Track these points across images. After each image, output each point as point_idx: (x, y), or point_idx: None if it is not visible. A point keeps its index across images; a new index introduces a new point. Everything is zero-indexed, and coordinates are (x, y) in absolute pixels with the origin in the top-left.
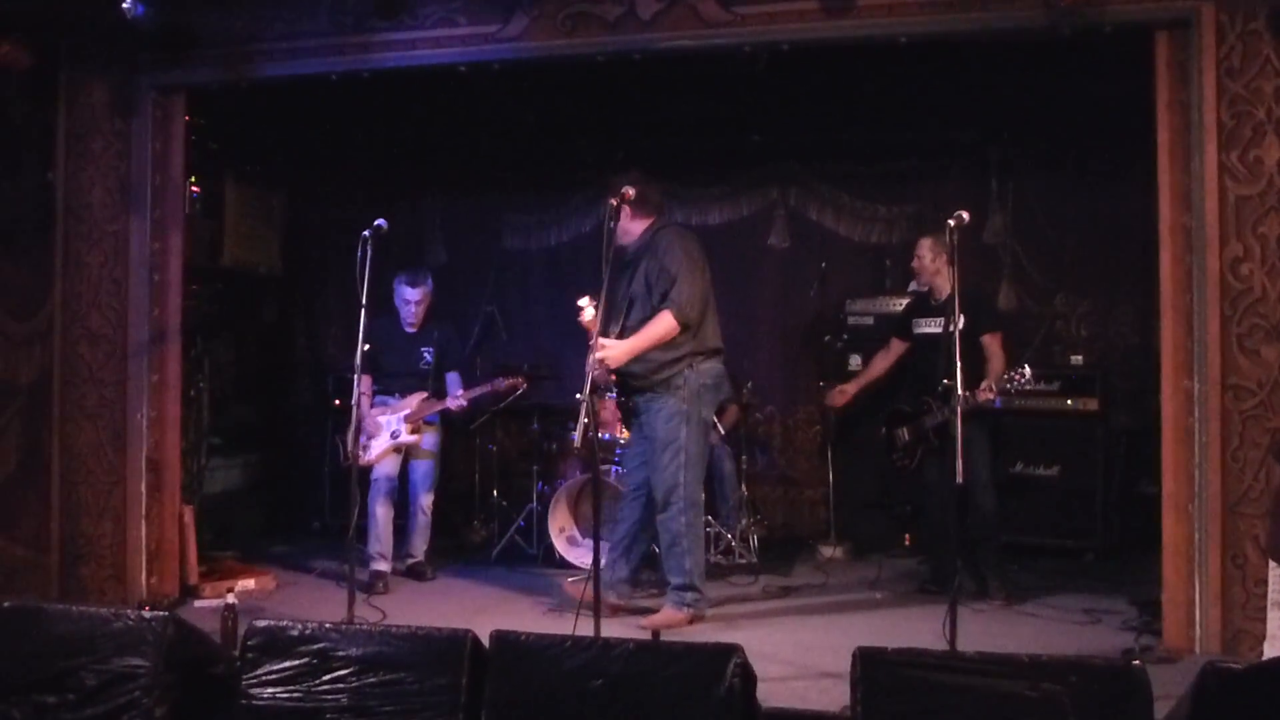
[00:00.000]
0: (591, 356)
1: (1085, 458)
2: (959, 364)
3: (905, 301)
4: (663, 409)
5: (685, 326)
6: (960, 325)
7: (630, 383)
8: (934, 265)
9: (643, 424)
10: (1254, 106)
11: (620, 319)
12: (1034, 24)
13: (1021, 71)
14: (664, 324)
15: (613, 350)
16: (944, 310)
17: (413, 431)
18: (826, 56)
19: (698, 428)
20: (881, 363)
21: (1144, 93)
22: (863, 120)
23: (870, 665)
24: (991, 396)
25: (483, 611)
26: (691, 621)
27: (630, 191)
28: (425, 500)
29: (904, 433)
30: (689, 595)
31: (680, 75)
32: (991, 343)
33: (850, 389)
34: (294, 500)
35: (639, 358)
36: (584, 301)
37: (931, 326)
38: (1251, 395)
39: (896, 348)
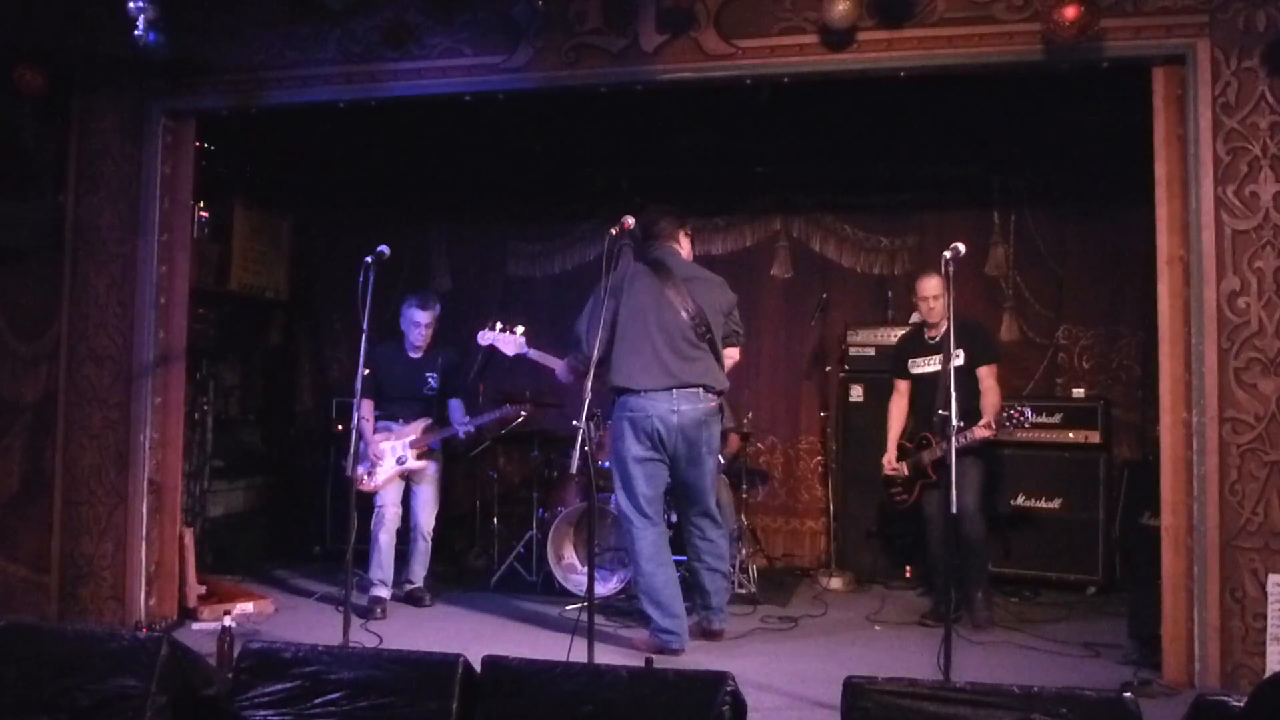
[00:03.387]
0: (588, 384)
1: (1087, 490)
2: (954, 395)
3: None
4: None
5: (577, 355)
6: (961, 360)
7: None
8: (945, 301)
9: None
10: (1249, 142)
11: None
12: (1032, 59)
13: (1023, 104)
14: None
15: (558, 371)
16: (940, 347)
17: (418, 458)
18: (829, 89)
19: (616, 458)
20: (899, 411)
21: (1144, 126)
22: (865, 152)
23: (860, 695)
24: (989, 435)
25: (479, 638)
26: (659, 651)
27: (630, 221)
28: (426, 526)
29: (903, 467)
30: (650, 624)
31: (685, 107)
32: (987, 376)
33: (892, 454)
34: (295, 524)
35: None
36: (488, 324)
37: (930, 365)
38: (1249, 428)
39: (903, 389)
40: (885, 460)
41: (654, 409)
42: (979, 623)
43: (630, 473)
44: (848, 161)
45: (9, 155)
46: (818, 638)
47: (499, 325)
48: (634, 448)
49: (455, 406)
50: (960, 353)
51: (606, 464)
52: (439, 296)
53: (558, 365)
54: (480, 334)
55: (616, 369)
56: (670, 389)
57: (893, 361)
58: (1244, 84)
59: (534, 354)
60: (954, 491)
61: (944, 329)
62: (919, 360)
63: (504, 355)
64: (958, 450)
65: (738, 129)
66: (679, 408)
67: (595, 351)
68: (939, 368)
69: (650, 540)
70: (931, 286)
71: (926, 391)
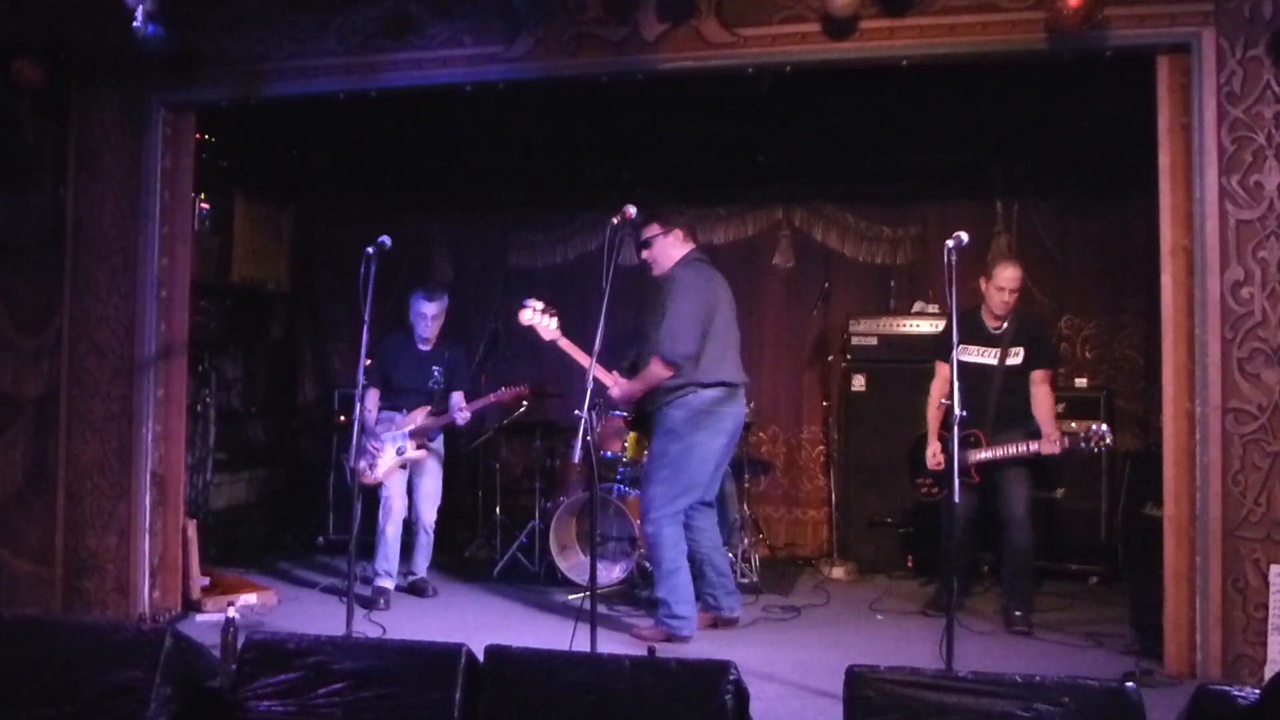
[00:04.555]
0: (590, 373)
1: (1090, 480)
2: (996, 394)
3: (911, 323)
4: (659, 425)
5: (676, 367)
6: (1019, 359)
7: (642, 403)
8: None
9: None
10: (1254, 131)
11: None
12: (1034, 48)
13: (1026, 94)
14: (654, 371)
15: (615, 390)
16: (1000, 341)
17: (418, 448)
18: (831, 78)
19: (686, 449)
20: (940, 396)
21: (1148, 115)
22: (867, 141)
23: (862, 684)
24: (1056, 452)
25: (482, 628)
26: (668, 639)
27: (631, 210)
28: (428, 520)
29: (942, 460)
30: (661, 610)
31: (686, 96)
32: (1043, 382)
33: (935, 444)
34: (298, 516)
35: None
36: (531, 303)
37: (985, 357)
38: (1252, 419)
39: (944, 371)
40: (930, 453)
41: (741, 402)
42: (1016, 628)
43: (703, 469)
44: (850, 151)
45: (8, 149)
46: (820, 627)
47: (540, 305)
48: (721, 441)
49: (456, 399)
50: (1020, 351)
51: (609, 454)
52: (446, 287)
53: (588, 363)
54: (521, 313)
55: (712, 363)
56: (742, 384)
57: (939, 346)
58: (1249, 73)
59: (565, 344)
60: (955, 480)
61: (1006, 324)
62: (971, 348)
63: (538, 337)
64: (1009, 456)
65: (739, 118)
66: (744, 400)
67: (693, 347)
68: (995, 361)
69: (677, 530)
70: (1013, 277)
71: (977, 384)
